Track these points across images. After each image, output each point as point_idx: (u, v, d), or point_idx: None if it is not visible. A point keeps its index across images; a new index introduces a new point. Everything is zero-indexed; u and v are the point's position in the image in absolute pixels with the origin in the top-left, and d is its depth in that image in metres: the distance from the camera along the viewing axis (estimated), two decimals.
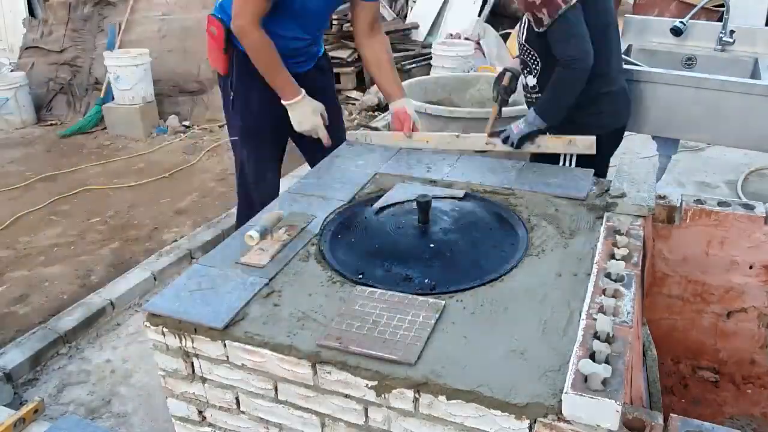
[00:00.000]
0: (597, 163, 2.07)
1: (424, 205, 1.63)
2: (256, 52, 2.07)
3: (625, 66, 2.84)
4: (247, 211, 2.49)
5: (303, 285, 1.44)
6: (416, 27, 6.49)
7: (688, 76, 2.70)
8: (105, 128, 5.39)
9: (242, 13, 1.99)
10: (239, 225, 2.62)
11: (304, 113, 2.15)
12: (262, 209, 2.30)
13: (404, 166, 2.03)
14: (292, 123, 2.19)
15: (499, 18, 6.92)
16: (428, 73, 5.38)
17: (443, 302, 1.35)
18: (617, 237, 1.47)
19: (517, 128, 2.09)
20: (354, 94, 6.03)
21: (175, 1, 5.67)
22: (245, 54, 2.12)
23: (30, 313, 2.91)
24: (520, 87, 2.32)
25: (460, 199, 1.80)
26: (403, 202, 1.76)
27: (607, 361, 1.07)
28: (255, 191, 2.49)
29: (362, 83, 6.23)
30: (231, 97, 2.34)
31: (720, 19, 3.19)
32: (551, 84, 2.07)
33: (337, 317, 1.31)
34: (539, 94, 2.18)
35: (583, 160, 2.06)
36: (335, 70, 5.95)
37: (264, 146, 2.42)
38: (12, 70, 5.92)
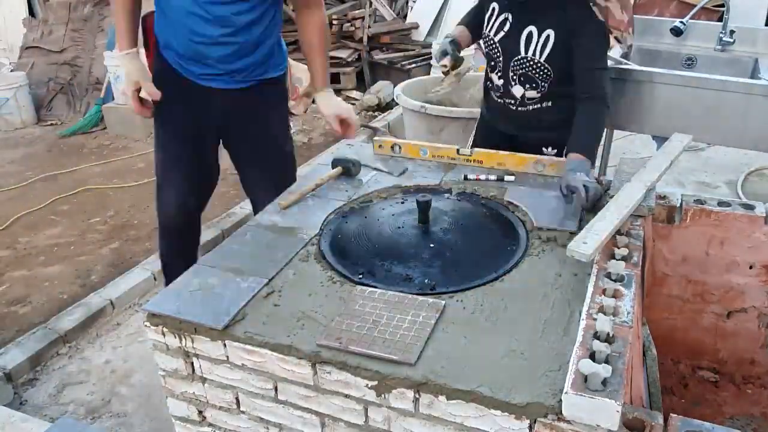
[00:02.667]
0: None
1: (423, 205, 1.63)
2: None
3: (623, 66, 2.85)
4: (161, 236, 2.33)
5: (303, 285, 1.44)
6: (416, 27, 6.49)
7: (688, 76, 2.71)
8: (105, 128, 5.39)
9: None
10: (161, 259, 2.40)
11: (126, 72, 1.99)
12: (175, 232, 2.23)
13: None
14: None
15: None
16: (428, 73, 5.38)
17: (443, 302, 1.35)
18: (617, 237, 1.47)
19: (582, 181, 1.66)
20: (354, 94, 6.04)
21: None
22: (162, 51, 2.05)
23: (30, 313, 2.91)
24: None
25: (459, 199, 1.80)
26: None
27: (607, 361, 1.07)
28: (161, 210, 2.26)
29: (362, 83, 6.23)
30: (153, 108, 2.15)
31: (720, 19, 3.20)
32: (594, 123, 1.87)
33: (337, 317, 1.31)
34: (535, 106, 2.09)
35: None
36: (335, 70, 6.00)
37: (174, 160, 2.19)
38: (12, 70, 5.92)
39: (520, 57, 2.01)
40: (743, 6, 4.24)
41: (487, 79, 2.23)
